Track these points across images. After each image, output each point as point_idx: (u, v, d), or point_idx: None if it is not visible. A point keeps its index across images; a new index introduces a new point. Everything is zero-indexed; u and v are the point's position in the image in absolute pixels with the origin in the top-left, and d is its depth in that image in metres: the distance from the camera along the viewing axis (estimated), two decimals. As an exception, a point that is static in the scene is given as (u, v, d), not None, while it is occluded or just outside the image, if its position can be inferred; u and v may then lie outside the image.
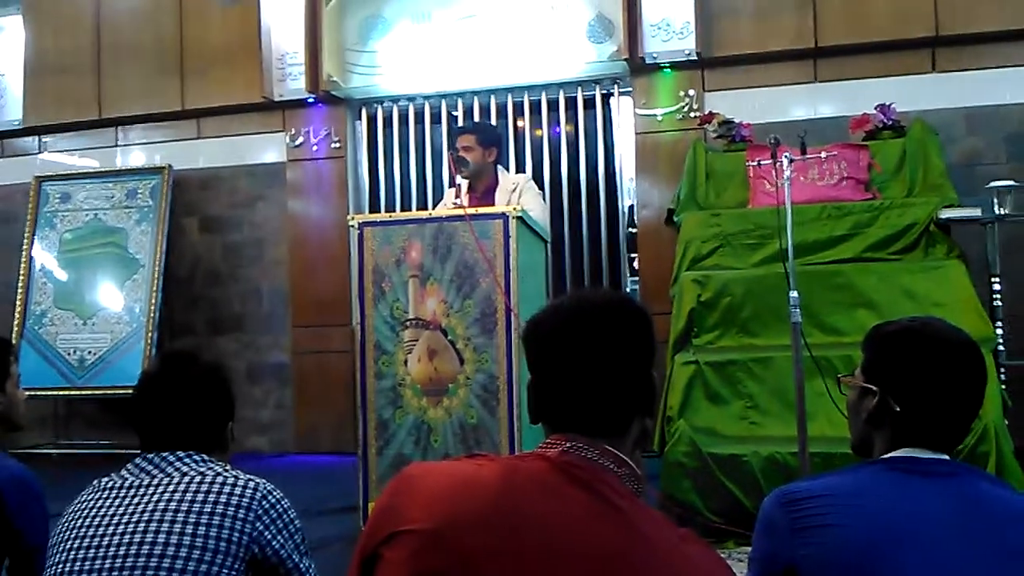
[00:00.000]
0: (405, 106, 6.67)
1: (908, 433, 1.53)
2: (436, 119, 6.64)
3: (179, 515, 1.67)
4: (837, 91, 5.68)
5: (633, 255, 6.28)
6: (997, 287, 4.57)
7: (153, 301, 6.35)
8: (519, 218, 3.84)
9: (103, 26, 7.03)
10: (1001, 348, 4.38)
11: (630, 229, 6.29)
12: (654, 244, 5.87)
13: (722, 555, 1.41)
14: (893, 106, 5.19)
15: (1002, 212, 4.64)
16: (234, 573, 1.65)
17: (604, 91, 6.29)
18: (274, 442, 6.59)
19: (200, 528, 1.65)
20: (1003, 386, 4.19)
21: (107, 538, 1.66)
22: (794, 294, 3.55)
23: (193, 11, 6.79)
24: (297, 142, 6.66)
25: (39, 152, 7.35)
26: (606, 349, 1.29)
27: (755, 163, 4.40)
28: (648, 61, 5.86)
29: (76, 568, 1.65)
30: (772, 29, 5.69)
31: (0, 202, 7.34)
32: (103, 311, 6.51)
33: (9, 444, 2.54)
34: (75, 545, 1.68)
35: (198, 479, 1.73)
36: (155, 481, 1.74)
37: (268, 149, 6.77)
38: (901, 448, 1.53)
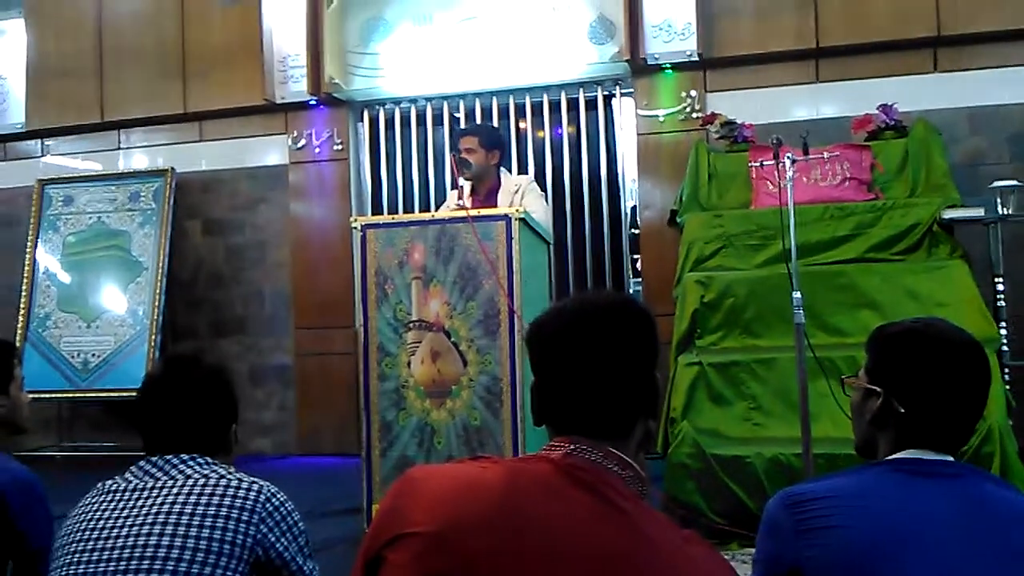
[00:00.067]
0: (407, 108, 6.68)
1: (912, 434, 1.53)
2: (438, 121, 6.64)
3: (183, 518, 1.67)
4: (839, 91, 5.68)
5: (636, 256, 6.28)
6: (1000, 287, 4.57)
7: (156, 304, 6.36)
8: (522, 220, 3.84)
9: (105, 29, 7.04)
10: (1005, 348, 4.37)
11: (632, 230, 6.29)
12: (657, 245, 5.86)
13: (726, 556, 1.41)
14: (895, 106, 5.19)
15: (1005, 212, 4.63)
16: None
17: (606, 92, 6.29)
18: (277, 444, 6.59)
19: (204, 531, 1.66)
20: (1007, 387, 4.18)
21: (111, 541, 1.67)
22: (797, 295, 3.55)
23: (195, 14, 6.80)
24: (299, 144, 6.66)
25: (42, 155, 7.37)
26: (610, 351, 1.29)
27: (757, 164, 4.40)
28: (650, 62, 5.86)
29: (80, 571, 1.65)
30: (773, 29, 5.69)
31: (3, 205, 7.36)
32: (106, 314, 6.51)
33: (13, 447, 2.54)
34: (79, 548, 1.68)
35: (202, 482, 1.73)
36: (159, 484, 1.74)
37: (270, 151, 6.78)
38: (905, 449, 1.53)
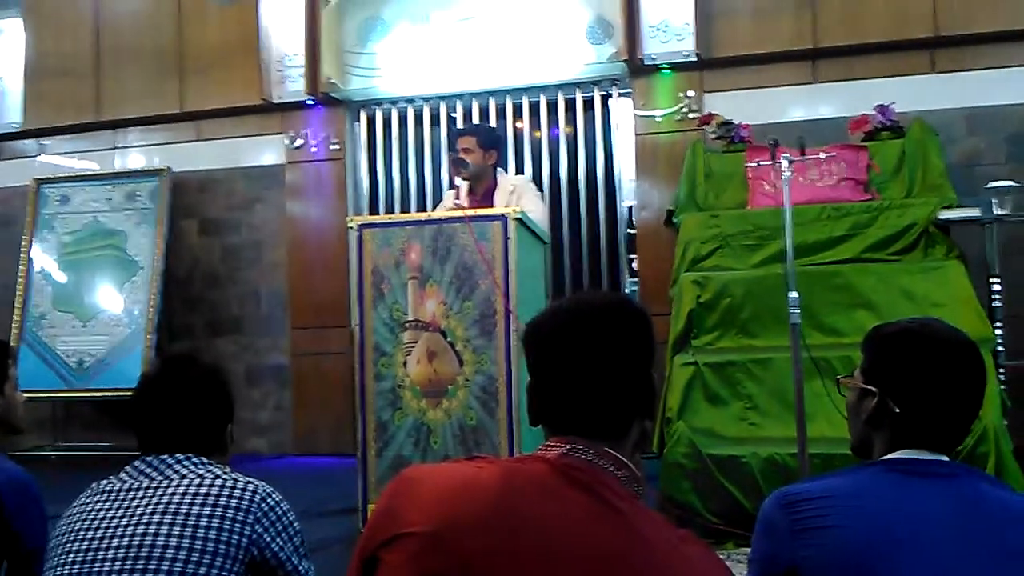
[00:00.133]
0: (404, 108, 6.68)
1: (908, 434, 1.53)
2: (435, 121, 6.64)
3: (178, 518, 1.67)
4: (836, 92, 5.69)
5: (632, 256, 6.28)
6: (996, 288, 4.57)
7: (152, 303, 6.35)
8: (518, 220, 3.84)
9: (102, 29, 7.03)
10: (1000, 349, 4.37)
11: (629, 230, 6.29)
12: (653, 245, 5.87)
13: (721, 556, 1.41)
14: (892, 107, 5.19)
15: (1001, 213, 4.64)
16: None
17: (603, 92, 6.29)
18: (273, 444, 6.58)
19: (199, 531, 1.65)
20: (1002, 387, 4.18)
21: (106, 541, 1.66)
22: (793, 295, 3.55)
23: (192, 14, 6.80)
24: (296, 144, 6.66)
25: (38, 154, 7.36)
26: (606, 351, 1.29)
27: (754, 164, 4.41)
28: (647, 62, 5.86)
29: (75, 571, 1.65)
30: (771, 30, 5.70)
31: (-1, 204, 7.35)
32: (102, 313, 6.50)
33: (8, 447, 2.54)
34: (74, 548, 1.67)
35: (197, 482, 1.73)
36: (154, 484, 1.74)
37: (267, 151, 6.77)
38: (901, 449, 1.53)
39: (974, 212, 4.59)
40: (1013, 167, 5.22)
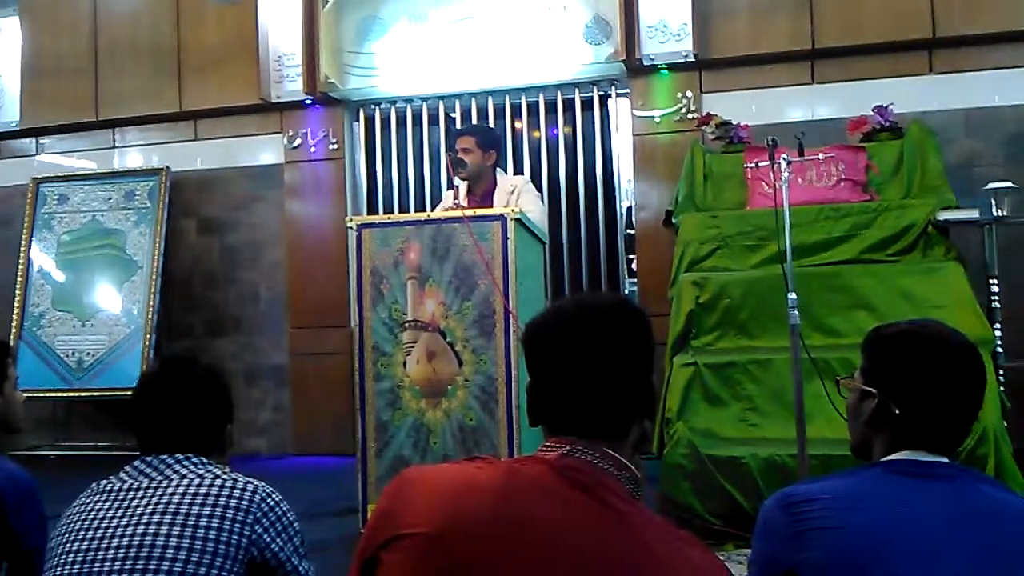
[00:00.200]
0: (403, 108, 6.67)
1: (908, 436, 1.53)
2: (434, 121, 6.64)
3: (178, 518, 1.67)
4: (834, 93, 5.69)
5: (631, 257, 6.29)
6: (995, 289, 4.58)
7: (151, 303, 6.35)
8: (517, 220, 3.84)
9: (100, 28, 7.03)
10: (1000, 350, 4.38)
11: (628, 231, 6.29)
12: (652, 246, 5.87)
13: (721, 557, 1.41)
14: (891, 107, 5.20)
15: (1000, 214, 4.64)
16: (233, 576, 1.65)
17: (602, 93, 6.29)
18: (272, 444, 6.58)
19: (199, 531, 1.65)
20: (1002, 388, 4.19)
21: (106, 541, 1.66)
22: (792, 296, 3.55)
23: (190, 13, 6.79)
24: (295, 144, 6.66)
25: (36, 154, 7.35)
26: (605, 352, 1.29)
27: (753, 165, 4.41)
28: (645, 63, 5.86)
29: (75, 571, 1.65)
30: (769, 31, 5.70)
31: (-2, 204, 7.34)
32: (101, 313, 6.50)
33: (7, 446, 2.54)
34: (74, 548, 1.67)
35: (197, 482, 1.73)
36: (154, 484, 1.74)
37: (266, 151, 6.77)
38: (901, 451, 1.53)
39: (973, 213, 4.60)
40: (1011, 168, 5.23)
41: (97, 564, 1.64)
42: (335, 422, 6.09)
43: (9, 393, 2.33)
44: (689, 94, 5.87)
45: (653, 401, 1.35)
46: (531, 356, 1.34)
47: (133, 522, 1.68)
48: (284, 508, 1.77)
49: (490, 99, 6.45)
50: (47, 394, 6.40)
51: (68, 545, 1.69)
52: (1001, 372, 4.33)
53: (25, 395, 2.49)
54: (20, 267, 6.70)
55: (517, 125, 6.49)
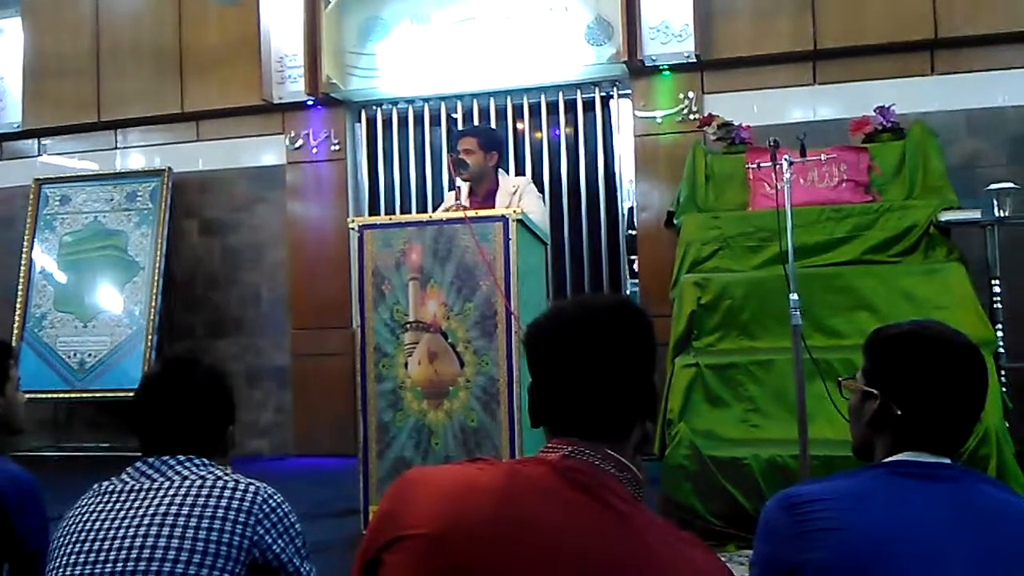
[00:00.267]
0: (404, 108, 6.68)
1: (910, 437, 1.53)
2: (436, 121, 6.64)
3: (179, 519, 1.67)
4: (836, 93, 5.69)
5: (633, 257, 6.28)
6: (997, 289, 4.57)
7: (153, 304, 6.35)
8: (519, 221, 3.84)
9: (102, 28, 7.03)
10: (1001, 350, 4.38)
11: (630, 231, 6.30)
12: (654, 246, 5.87)
13: (723, 558, 1.41)
14: (893, 108, 5.19)
15: (1002, 214, 4.63)
16: (234, 577, 1.65)
17: (603, 93, 6.29)
18: (274, 445, 6.59)
19: (200, 532, 1.65)
20: (1003, 389, 4.19)
21: (107, 542, 1.66)
22: (794, 296, 3.55)
23: (192, 14, 6.79)
24: (296, 144, 6.66)
25: (39, 155, 7.36)
26: (607, 353, 1.29)
27: (755, 165, 4.41)
28: (647, 63, 5.86)
29: (76, 572, 1.65)
30: (771, 31, 5.70)
31: (0, 205, 7.34)
32: (103, 314, 6.51)
33: (9, 447, 2.54)
34: (75, 549, 1.67)
35: (198, 483, 1.73)
36: (155, 485, 1.74)
37: (267, 151, 6.77)
38: (903, 452, 1.53)
39: (975, 214, 4.60)
40: (1013, 169, 5.22)
41: (99, 565, 1.64)
42: (336, 423, 6.09)
43: (11, 394, 2.32)
44: (691, 95, 5.87)
45: (655, 402, 1.35)
46: (533, 357, 1.34)
47: (135, 523, 1.68)
48: (286, 509, 1.76)
49: (492, 100, 6.45)
50: (49, 395, 6.41)
51: (70, 547, 1.69)
52: (1003, 373, 4.32)
53: (27, 396, 2.49)
54: (22, 268, 6.71)
55: (519, 126, 6.49)
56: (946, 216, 4.57)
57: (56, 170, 7.16)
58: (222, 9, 6.49)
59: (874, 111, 5.23)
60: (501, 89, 6.37)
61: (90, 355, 6.43)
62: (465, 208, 4.14)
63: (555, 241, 5.80)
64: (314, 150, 6.63)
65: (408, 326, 3.93)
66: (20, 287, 6.66)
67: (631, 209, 6.29)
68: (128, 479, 1.77)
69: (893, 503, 1.44)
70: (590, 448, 1.26)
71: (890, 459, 1.53)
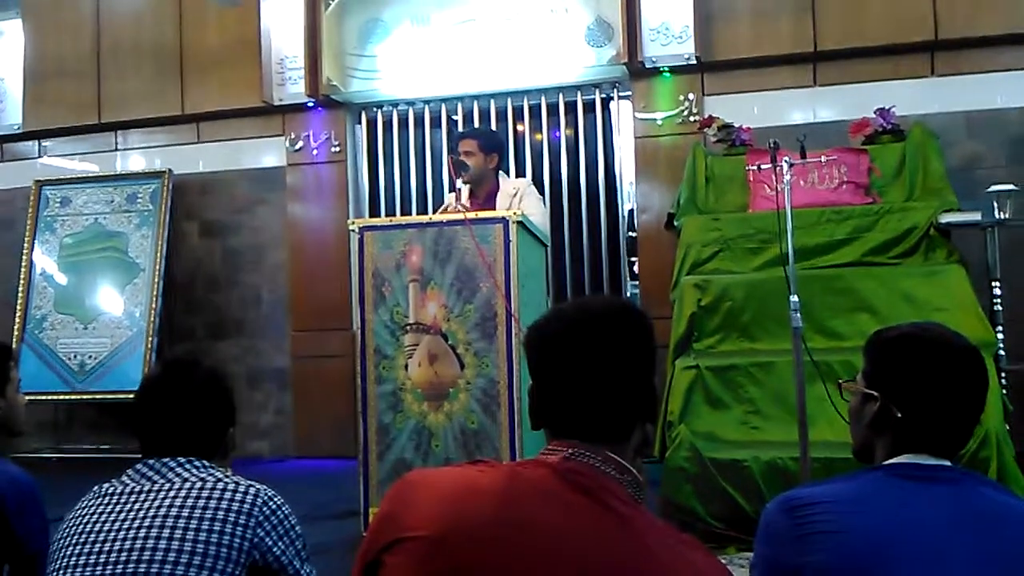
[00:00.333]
0: (405, 110, 6.68)
1: (910, 439, 1.53)
2: (436, 123, 6.64)
3: (180, 521, 1.67)
4: (836, 95, 5.69)
5: (633, 259, 6.28)
6: (997, 291, 4.57)
7: (153, 305, 6.35)
8: (519, 222, 3.84)
9: (103, 30, 7.04)
10: (1002, 352, 4.38)
11: (630, 233, 6.30)
12: (654, 248, 5.87)
13: (723, 561, 1.41)
14: (893, 110, 5.19)
15: (1002, 216, 4.63)
16: (234, 579, 1.65)
17: (604, 95, 6.29)
18: (274, 447, 6.59)
19: (201, 534, 1.65)
20: (1004, 391, 4.18)
21: (108, 544, 1.66)
22: (795, 298, 3.55)
23: (193, 15, 6.80)
24: (297, 146, 6.66)
25: (39, 156, 7.36)
26: (608, 355, 1.29)
27: (755, 167, 4.40)
28: (647, 65, 5.87)
29: (77, 574, 1.65)
30: (771, 33, 5.70)
31: (0, 206, 7.34)
32: (103, 315, 6.51)
33: (9, 449, 2.54)
34: (76, 551, 1.67)
35: (199, 485, 1.73)
36: (156, 487, 1.74)
37: (268, 153, 6.78)
38: (903, 454, 1.53)
39: (975, 216, 4.59)
40: (1013, 170, 5.22)
41: (99, 568, 1.64)
42: (336, 425, 6.08)
43: (11, 396, 2.33)
44: (691, 96, 5.88)
45: (655, 404, 1.35)
46: (533, 359, 1.34)
47: (135, 525, 1.68)
48: (286, 511, 1.76)
49: (492, 102, 6.46)
50: (49, 397, 6.41)
51: (70, 548, 1.69)
52: (1003, 375, 4.32)
53: (27, 398, 2.49)
54: (22, 270, 6.71)
55: (519, 128, 6.49)
56: (946, 218, 4.57)
57: (56, 172, 7.16)
58: (223, 11, 6.50)
59: (874, 113, 5.23)
60: (501, 91, 6.38)
61: (90, 357, 6.43)
62: (466, 208, 4.14)
63: (555, 243, 5.80)
64: (314, 152, 6.63)
65: (408, 328, 3.93)
66: (20, 289, 6.67)
67: (631, 211, 6.29)
68: (128, 481, 1.78)
69: (893, 505, 1.44)
70: (590, 450, 1.26)
71: (890, 461, 1.53)
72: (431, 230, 3.94)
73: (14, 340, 6.42)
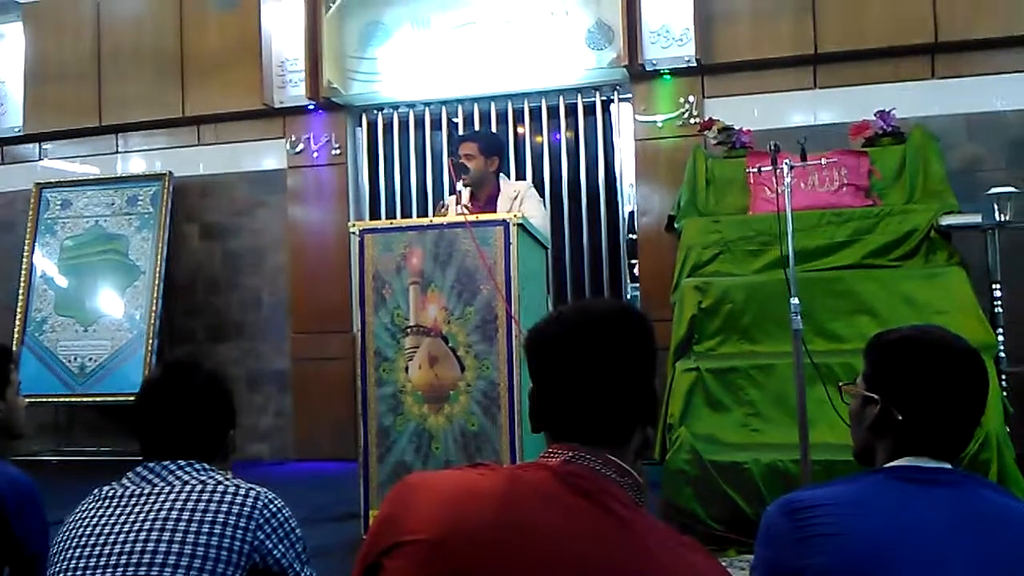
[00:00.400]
0: (405, 113, 6.68)
1: (910, 442, 1.53)
2: (436, 126, 6.65)
3: (180, 524, 1.66)
4: (837, 97, 5.69)
5: (633, 261, 6.29)
6: (998, 293, 4.57)
7: (154, 308, 6.35)
8: (520, 225, 3.84)
9: (103, 33, 7.04)
10: (1002, 355, 4.37)
11: (630, 235, 6.30)
12: (654, 250, 5.87)
13: (723, 563, 1.41)
14: (893, 112, 5.20)
15: (1002, 219, 4.62)
16: (235, 582, 1.65)
17: (604, 98, 6.30)
18: (274, 449, 6.58)
19: (201, 537, 1.65)
20: (1004, 393, 4.18)
21: (108, 547, 1.66)
22: (795, 301, 3.54)
23: (193, 18, 6.81)
24: (297, 149, 6.67)
25: (40, 159, 7.37)
26: (608, 358, 1.29)
27: (755, 169, 4.40)
28: (648, 68, 5.87)
29: (77, 577, 1.65)
30: (771, 36, 5.70)
31: (0, 209, 7.35)
32: (104, 318, 6.51)
33: (10, 452, 2.54)
34: (76, 554, 1.67)
35: (199, 488, 1.73)
36: (156, 490, 1.74)
37: (268, 156, 6.78)
38: (904, 457, 1.53)
39: (975, 218, 4.59)
40: (1013, 173, 5.23)
41: (100, 570, 1.64)
42: (337, 427, 6.08)
43: (11, 398, 2.33)
44: (691, 99, 5.88)
45: (655, 407, 1.35)
46: (533, 362, 1.34)
47: (135, 528, 1.67)
48: (286, 514, 1.76)
49: (492, 104, 6.46)
50: (49, 399, 6.42)
51: (70, 551, 1.69)
52: (1004, 377, 4.32)
53: (27, 400, 2.49)
54: (23, 272, 6.71)
55: (519, 130, 6.50)
56: (947, 220, 4.57)
57: (57, 174, 7.16)
58: (223, 13, 6.51)
59: (874, 115, 5.23)
60: (502, 93, 6.38)
61: (91, 359, 6.43)
62: (467, 210, 4.14)
63: (556, 245, 5.80)
64: (315, 154, 6.64)
65: (409, 330, 3.93)
66: (21, 291, 6.67)
67: (632, 213, 6.29)
68: (129, 484, 1.77)
69: (894, 508, 1.43)
70: (591, 453, 1.26)
71: (891, 464, 1.53)
72: (431, 232, 3.94)
73: (14, 342, 6.42)
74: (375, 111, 6.72)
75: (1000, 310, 4.55)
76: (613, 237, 6.28)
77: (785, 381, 3.96)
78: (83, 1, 7.08)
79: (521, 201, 4.46)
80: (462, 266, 3.86)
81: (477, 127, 6.36)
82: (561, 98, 6.35)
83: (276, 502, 1.76)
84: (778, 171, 3.69)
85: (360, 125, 6.74)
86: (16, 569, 2.08)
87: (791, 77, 5.77)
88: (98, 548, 1.67)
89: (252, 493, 1.74)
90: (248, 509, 1.71)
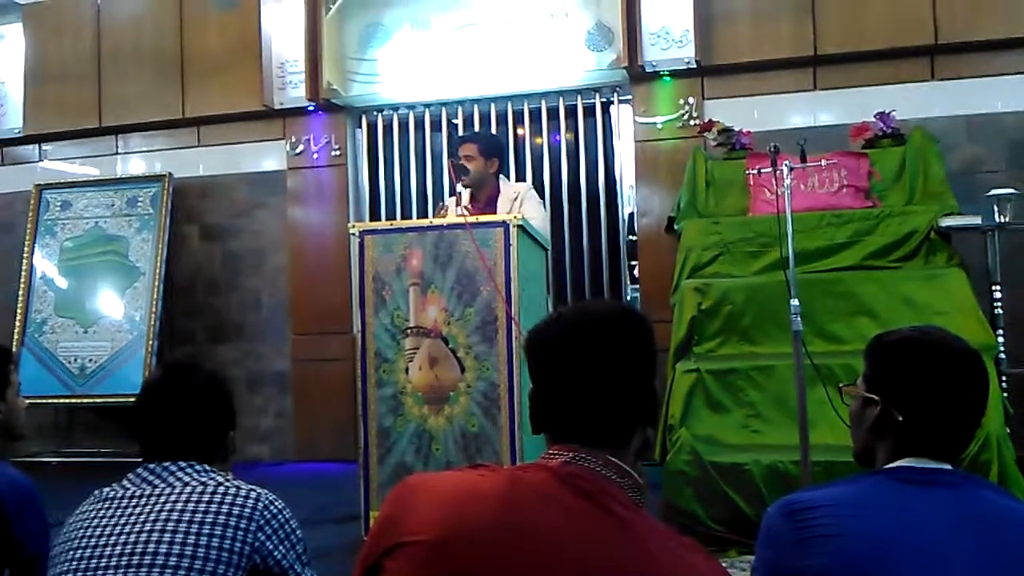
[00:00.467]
0: (405, 114, 6.69)
1: (911, 443, 1.53)
2: (436, 127, 6.65)
3: (180, 525, 1.66)
4: (837, 99, 5.69)
5: (633, 263, 6.29)
6: (998, 295, 4.57)
7: (153, 309, 6.36)
8: (520, 226, 3.84)
9: (103, 34, 7.04)
10: (1002, 356, 4.37)
11: (630, 237, 6.30)
12: (654, 252, 5.87)
13: (724, 564, 1.41)
14: (893, 114, 5.20)
15: (1002, 220, 4.63)
16: (235, 583, 1.65)
17: (604, 99, 6.30)
18: (274, 450, 6.58)
19: (202, 538, 1.65)
20: (1004, 394, 4.18)
21: (108, 548, 1.66)
22: (795, 302, 3.55)
23: (193, 19, 6.81)
24: (297, 150, 6.67)
25: (39, 160, 7.37)
26: (608, 359, 1.29)
27: (755, 171, 4.40)
28: (648, 69, 5.87)
29: (78, 578, 1.65)
30: (771, 37, 5.70)
31: (1, 210, 7.35)
32: (104, 319, 6.51)
33: (10, 453, 2.54)
34: (77, 556, 1.67)
35: (199, 489, 1.73)
36: (156, 491, 1.74)
37: (268, 157, 6.78)
38: (904, 458, 1.53)
39: (975, 219, 4.59)
40: (1013, 174, 5.23)
41: (101, 571, 1.64)
42: (337, 428, 6.08)
43: (11, 400, 2.33)
44: (691, 100, 5.88)
45: (655, 408, 1.35)
46: (534, 363, 1.34)
47: (136, 529, 1.67)
48: (286, 515, 1.76)
49: (492, 105, 6.46)
50: (49, 400, 6.42)
51: (71, 552, 1.69)
52: (1004, 378, 4.32)
53: (27, 402, 2.49)
54: (23, 273, 6.71)
55: (519, 131, 6.50)
56: (946, 222, 4.57)
57: (57, 175, 7.16)
58: (223, 14, 6.51)
59: (874, 117, 5.23)
60: (502, 95, 6.38)
61: (91, 360, 6.43)
62: (467, 211, 4.14)
63: (556, 246, 5.80)
64: (315, 155, 6.64)
65: (409, 331, 3.93)
66: (21, 292, 6.67)
67: (631, 214, 6.29)
68: (129, 485, 1.77)
69: (894, 509, 1.43)
70: (591, 454, 1.26)
71: (891, 465, 1.53)
72: (431, 234, 3.94)
73: (14, 344, 6.42)
74: (375, 112, 6.72)
75: (1000, 311, 4.55)
76: (613, 238, 6.28)
77: (785, 382, 3.97)
78: (83, 2, 7.08)
79: (521, 202, 4.46)
80: (462, 267, 3.87)
81: (477, 128, 6.36)
82: (561, 100, 6.36)
83: (277, 503, 1.76)
84: (778, 172, 3.70)
85: (360, 126, 6.75)
86: (16, 570, 2.08)
87: (791, 78, 5.77)
88: (99, 549, 1.67)
89: (253, 494, 1.74)
90: (249, 510, 1.71)
